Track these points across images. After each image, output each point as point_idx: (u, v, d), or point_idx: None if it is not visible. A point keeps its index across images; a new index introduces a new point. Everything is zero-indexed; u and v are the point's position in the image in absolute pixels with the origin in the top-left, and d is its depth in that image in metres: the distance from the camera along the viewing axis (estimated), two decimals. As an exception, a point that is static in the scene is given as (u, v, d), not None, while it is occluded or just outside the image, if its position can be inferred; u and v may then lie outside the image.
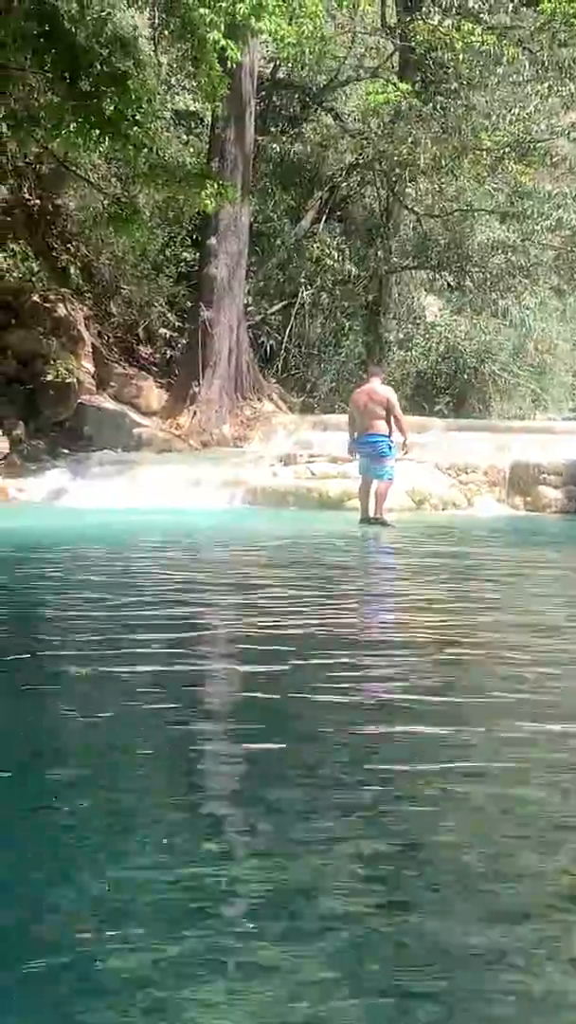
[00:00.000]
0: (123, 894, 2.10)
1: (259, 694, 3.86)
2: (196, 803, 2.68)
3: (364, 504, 12.86)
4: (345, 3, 20.16)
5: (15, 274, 19.54)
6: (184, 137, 23.46)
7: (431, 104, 23.44)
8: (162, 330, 22.60)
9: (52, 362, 18.79)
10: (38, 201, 21.09)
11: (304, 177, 25.56)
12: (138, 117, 15.50)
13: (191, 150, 22.41)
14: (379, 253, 25.47)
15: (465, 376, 26.01)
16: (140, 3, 18.30)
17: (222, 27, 15.10)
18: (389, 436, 12.66)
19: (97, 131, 14.94)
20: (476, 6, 23.26)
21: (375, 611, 6.45)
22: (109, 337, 22.04)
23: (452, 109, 23.50)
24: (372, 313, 25.87)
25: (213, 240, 20.79)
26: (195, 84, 17.85)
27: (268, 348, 24.50)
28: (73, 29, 15.57)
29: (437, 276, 27.24)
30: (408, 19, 23.58)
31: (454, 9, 23.28)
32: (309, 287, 24.40)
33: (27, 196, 20.93)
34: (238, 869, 2.22)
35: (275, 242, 24.23)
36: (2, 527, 11.51)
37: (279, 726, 3.40)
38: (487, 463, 16.46)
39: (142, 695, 3.76)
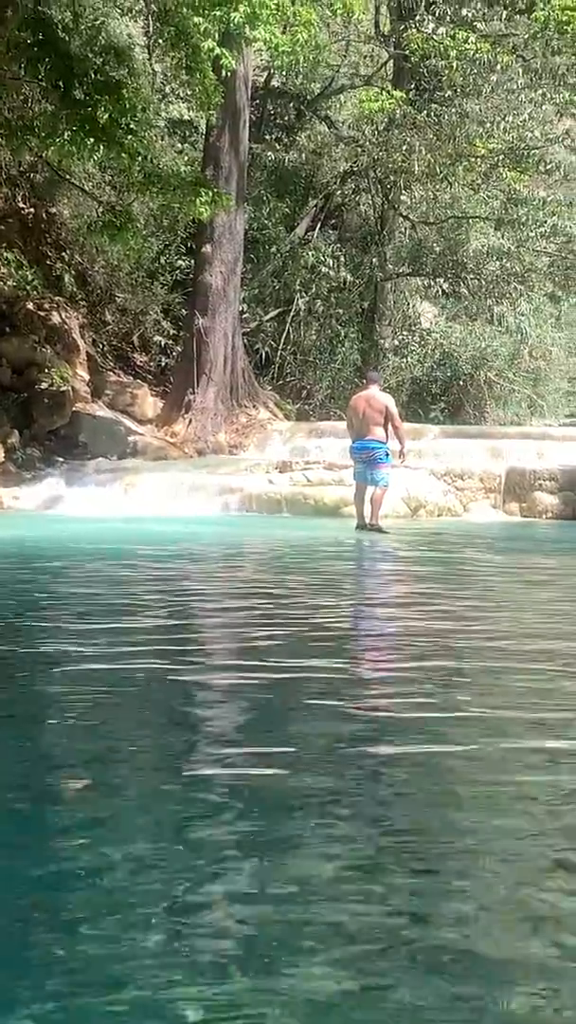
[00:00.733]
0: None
1: (246, 702, 3.85)
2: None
3: (360, 511, 12.86)
4: (339, 11, 20.20)
5: (10, 282, 19.58)
6: (178, 145, 23.52)
7: (425, 112, 23.49)
8: (157, 338, 22.63)
9: (47, 370, 18.80)
10: (32, 209, 21.12)
11: (299, 185, 25.63)
12: (132, 126, 15.55)
13: (185, 158, 22.47)
14: (374, 260, 25.50)
15: (460, 382, 26.05)
16: (134, 12, 18.35)
17: (216, 36, 15.16)
18: (386, 443, 12.67)
19: (91, 139, 14.97)
20: (470, 14, 23.35)
21: (368, 618, 6.44)
22: (104, 345, 22.06)
23: (446, 116, 23.55)
24: (367, 320, 25.90)
25: (208, 248, 20.80)
26: (189, 92, 17.89)
27: (263, 355, 24.52)
28: (67, 38, 15.62)
29: (432, 283, 27.29)
30: (402, 27, 23.64)
31: (448, 17, 23.37)
32: (304, 294, 24.43)
33: (21, 204, 20.97)
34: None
35: (270, 249, 24.27)
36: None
37: (269, 734, 3.39)
38: (482, 469, 16.48)
39: (127, 699, 3.75)
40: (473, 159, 23.26)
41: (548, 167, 24.71)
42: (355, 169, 24.91)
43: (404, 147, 22.90)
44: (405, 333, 26.65)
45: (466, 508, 15.91)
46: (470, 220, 25.67)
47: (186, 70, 16.24)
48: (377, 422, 12.63)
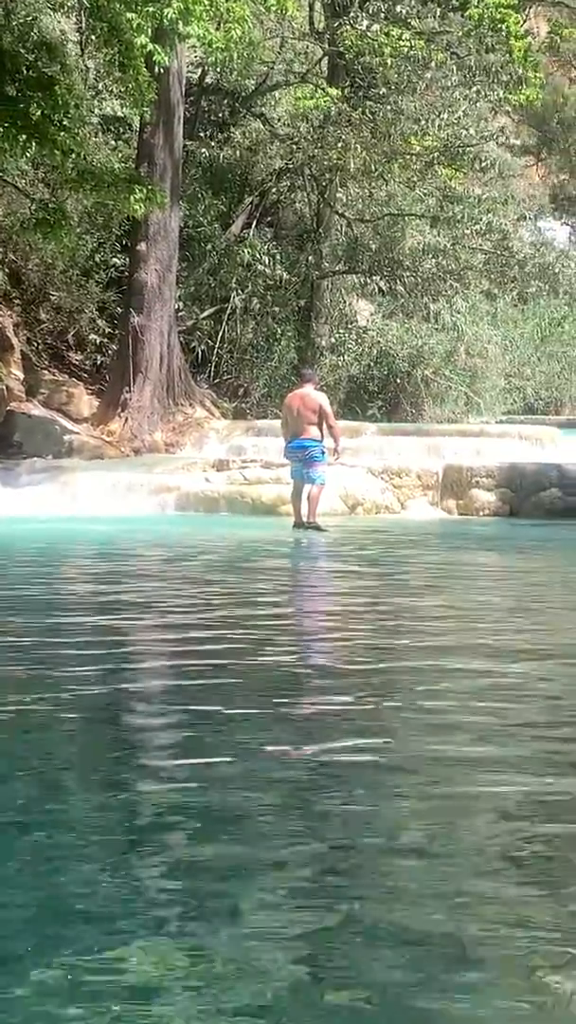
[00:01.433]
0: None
1: (188, 707, 3.80)
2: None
3: (297, 509, 12.84)
4: (273, 8, 20.14)
5: (-58, 281, 19.33)
6: (112, 142, 23.32)
7: (360, 109, 23.45)
8: (92, 336, 22.43)
9: (-20, 370, 18.60)
10: (-36, 207, 20.87)
11: (234, 182, 25.52)
12: (65, 122, 15.41)
13: (119, 155, 22.28)
14: (310, 258, 25.45)
15: (397, 380, 26.05)
16: (67, 8, 18.18)
17: (149, 32, 15.03)
18: (321, 441, 12.67)
19: (24, 136, 14.83)
20: (404, 11, 23.33)
21: (306, 617, 6.41)
22: (38, 344, 21.84)
23: (381, 114, 23.52)
24: (304, 318, 25.84)
25: (143, 246, 20.65)
26: (123, 89, 17.69)
27: (200, 353, 24.39)
28: (-2, 34, 15.43)
29: (368, 281, 27.26)
30: (336, 24, 23.59)
31: (382, 14, 23.36)
32: (240, 292, 24.32)
33: (-47, 202, 20.71)
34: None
35: (205, 247, 24.16)
36: None
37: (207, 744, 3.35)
38: (420, 467, 16.50)
39: (66, 718, 3.68)
40: (408, 156, 23.28)
41: (483, 164, 24.81)
42: (290, 166, 24.84)
43: (339, 144, 22.84)
44: (342, 331, 26.61)
45: (404, 505, 15.92)
46: (406, 217, 25.69)
47: (119, 66, 16.06)
48: (312, 421, 12.63)
